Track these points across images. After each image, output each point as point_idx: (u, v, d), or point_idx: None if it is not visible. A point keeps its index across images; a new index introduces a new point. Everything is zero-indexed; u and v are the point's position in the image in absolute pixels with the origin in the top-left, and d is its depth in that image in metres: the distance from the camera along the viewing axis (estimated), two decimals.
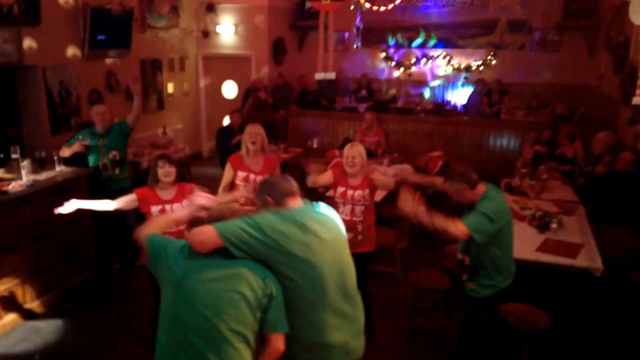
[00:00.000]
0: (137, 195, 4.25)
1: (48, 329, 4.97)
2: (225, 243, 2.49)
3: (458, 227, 3.46)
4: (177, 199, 4.28)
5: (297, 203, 2.79)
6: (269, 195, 2.80)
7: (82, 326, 5.05)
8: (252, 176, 4.84)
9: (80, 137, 5.87)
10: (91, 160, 5.96)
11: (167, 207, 4.23)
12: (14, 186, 4.94)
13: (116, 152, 5.98)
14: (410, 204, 3.53)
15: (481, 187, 3.65)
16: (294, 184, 2.87)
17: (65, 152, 5.82)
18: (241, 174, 4.87)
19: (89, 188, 5.83)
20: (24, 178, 5.10)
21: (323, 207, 2.86)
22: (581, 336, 4.69)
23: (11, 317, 4.98)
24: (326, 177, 4.70)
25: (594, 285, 4.54)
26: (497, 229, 3.56)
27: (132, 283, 5.84)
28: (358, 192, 4.47)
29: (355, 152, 4.50)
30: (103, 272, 6.08)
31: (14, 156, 5.42)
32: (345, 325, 2.73)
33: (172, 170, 4.28)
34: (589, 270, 4.27)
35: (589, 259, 4.37)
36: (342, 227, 2.89)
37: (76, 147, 5.81)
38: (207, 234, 2.51)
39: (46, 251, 5.32)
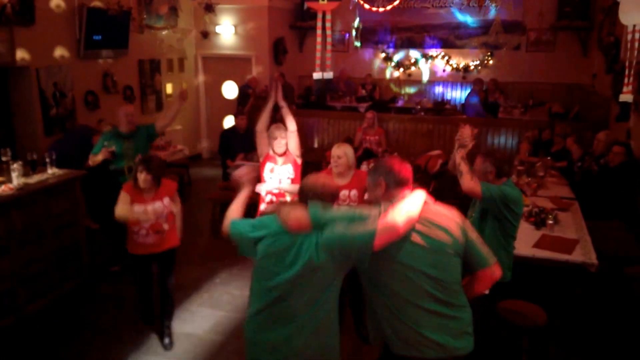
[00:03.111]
0: (128, 193, 4.35)
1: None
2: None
3: (475, 180, 3.54)
4: (159, 197, 4.40)
5: (406, 193, 2.69)
6: (384, 178, 2.72)
7: (75, 332, 4.87)
8: (276, 167, 4.86)
9: (105, 143, 5.51)
10: (115, 163, 5.64)
11: (149, 207, 4.35)
12: (3, 190, 4.71)
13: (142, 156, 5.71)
14: (466, 134, 3.65)
15: (504, 179, 3.72)
16: (410, 175, 2.77)
17: (92, 161, 5.58)
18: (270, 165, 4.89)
19: (104, 190, 5.57)
20: (14, 181, 4.88)
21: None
22: (578, 331, 4.63)
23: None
24: None
25: (589, 280, 4.48)
26: (512, 212, 3.62)
27: (125, 287, 5.61)
28: (343, 192, 4.38)
29: (340, 151, 4.45)
30: (99, 275, 5.86)
31: (4, 159, 5.16)
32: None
33: (149, 177, 4.28)
34: (584, 265, 4.25)
35: (584, 254, 4.36)
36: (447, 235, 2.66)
37: (102, 155, 5.47)
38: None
39: (37, 256, 5.05)
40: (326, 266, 2.50)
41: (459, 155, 3.65)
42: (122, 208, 4.26)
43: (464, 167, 3.57)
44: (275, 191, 4.83)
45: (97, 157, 5.54)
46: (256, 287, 2.67)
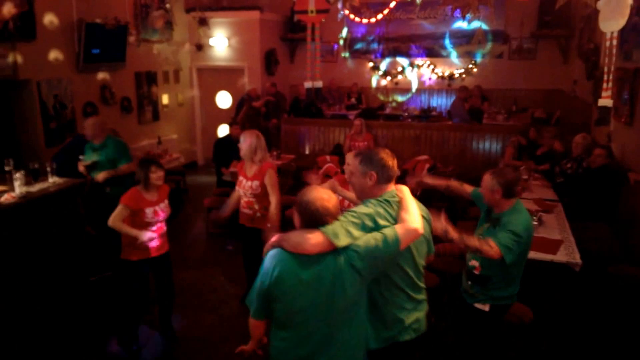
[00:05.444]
0: (128, 205, 4.24)
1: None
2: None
3: (492, 248, 3.28)
4: (161, 198, 4.42)
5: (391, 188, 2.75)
6: (376, 171, 2.70)
7: (73, 334, 4.88)
8: (244, 181, 4.95)
9: (80, 157, 5.64)
10: (90, 173, 5.71)
11: (157, 207, 4.35)
12: (6, 198, 4.78)
13: (106, 171, 5.65)
14: (439, 223, 3.19)
15: (513, 200, 3.52)
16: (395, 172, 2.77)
17: (81, 169, 5.67)
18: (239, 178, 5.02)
19: (90, 199, 5.66)
20: (17, 190, 4.96)
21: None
22: (564, 328, 4.66)
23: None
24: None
25: (574, 279, 4.51)
26: (526, 248, 3.47)
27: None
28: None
29: (348, 159, 4.48)
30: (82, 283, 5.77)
31: (7, 168, 5.23)
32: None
33: (163, 173, 4.35)
34: (568, 265, 4.25)
35: (569, 254, 4.36)
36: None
37: (80, 168, 5.60)
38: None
39: (39, 262, 5.11)
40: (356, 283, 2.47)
41: (455, 236, 3.22)
42: (117, 223, 4.21)
43: (473, 244, 3.31)
44: (246, 198, 4.98)
45: (79, 169, 5.62)
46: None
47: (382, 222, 2.54)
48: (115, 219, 4.19)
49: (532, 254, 4.36)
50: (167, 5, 10.14)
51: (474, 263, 3.61)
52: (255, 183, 4.88)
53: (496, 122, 10.38)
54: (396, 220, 2.58)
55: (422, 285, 2.81)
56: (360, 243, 2.42)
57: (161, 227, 4.44)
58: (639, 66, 6.24)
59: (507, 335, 4.07)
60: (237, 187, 5.04)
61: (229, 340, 4.71)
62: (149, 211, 4.28)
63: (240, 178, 5.00)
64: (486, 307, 3.60)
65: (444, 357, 4.34)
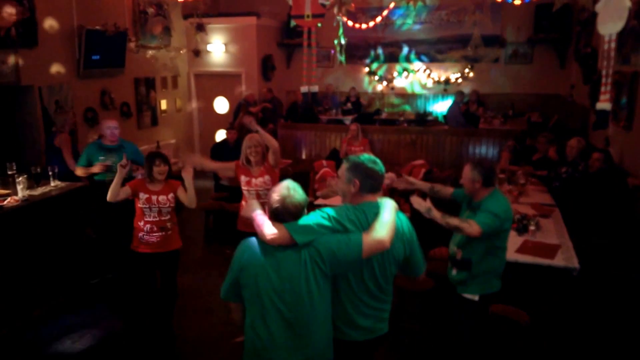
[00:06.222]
0: (129, 185, 4.47)
1: (43, 342, 4.77)
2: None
3: (473, 227, 3.46)
4: (164, 192, 4.49)
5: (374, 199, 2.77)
6: (360, 180, 2.71)
7: (76, 337, 4.84)
8: (253, 180, 4.84)
9: (101, 158, 5.58)
10: (99, 175, 5.68)
11: (154, 197, 4.44)
12: (9, 201, 4.83)
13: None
14: (423, 205, 3.53)
15: (491, 189, 3.69)
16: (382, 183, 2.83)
17: (81, 172, 5.62)
18: (244, 179, 4.88)
19: (93, 199, 5.62)
20: (20, 193, 5.00)
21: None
22: (563, 330, 4.65)
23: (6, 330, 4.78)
24: None
25: (573, 283, 4.51)
26: (505, 228, 3.63)
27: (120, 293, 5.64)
28: None
29: None
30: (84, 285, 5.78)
31: (10, 172, 5.29)
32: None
33: (166, 168, 4.47)
34: (566, 269, 4.24)
35: (566, 259, 4.34)
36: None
37: (97, 168, 5.54)
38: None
39: (41, 265, 5.13)
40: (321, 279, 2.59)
41: (435, 214, 3.53)
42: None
43: (454, 222, 3.52)
44: (253, 199, 4.90)
45: (90, 170, 5.59)
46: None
47: (349, 226, 2.62)
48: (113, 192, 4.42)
49: (530, 259, 4.35)
50: (165, 11, 10.14)
51: (454, 249, 3.78)
52: (267, 177, 4.84)
53: (492, 127, 10.37)
54: (366, 229, 2.62)
55: (384, 297, 2.83)
56: (322, 242, 2.55)
57: (162, 220, 4.47)
58: (638, 70, 6.24)
59: (506, 335, 4.06)
60: (244, 190, 4.89)
61: (227, 341, 4.73)
62: (142, 196, 4.42)
63: (247, 179, 4.85)
64: (476, 297, 3.70)
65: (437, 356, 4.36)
